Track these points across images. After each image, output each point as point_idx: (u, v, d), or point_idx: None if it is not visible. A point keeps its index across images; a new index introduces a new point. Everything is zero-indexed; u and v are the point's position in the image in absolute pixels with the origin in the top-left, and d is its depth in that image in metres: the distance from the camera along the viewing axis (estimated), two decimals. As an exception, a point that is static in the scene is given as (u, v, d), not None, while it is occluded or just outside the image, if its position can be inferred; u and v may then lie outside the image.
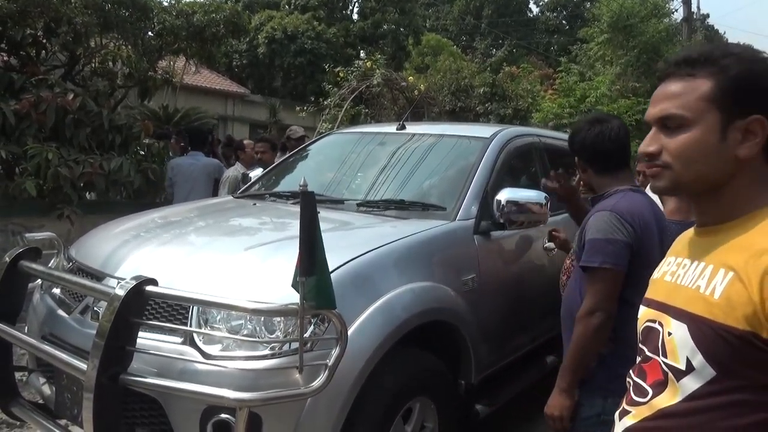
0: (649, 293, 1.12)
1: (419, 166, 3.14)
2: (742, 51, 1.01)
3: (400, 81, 9.38)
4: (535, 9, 34.84)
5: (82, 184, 5.23)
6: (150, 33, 6.58)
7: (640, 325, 1.10)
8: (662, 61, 1.10)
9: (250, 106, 18.95)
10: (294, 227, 2.09)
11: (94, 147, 5.54)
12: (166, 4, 7.01)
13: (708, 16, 30.91)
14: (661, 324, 1.02)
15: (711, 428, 0.93)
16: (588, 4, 28.34)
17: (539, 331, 3.30)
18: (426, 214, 2.77)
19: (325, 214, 2.71)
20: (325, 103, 9.59)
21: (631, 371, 1.09)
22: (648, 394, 1.02)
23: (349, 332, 1.84)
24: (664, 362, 0.99)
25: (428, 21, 31.31)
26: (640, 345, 1.09)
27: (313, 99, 11.64)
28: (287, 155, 4.27)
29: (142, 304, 1.90)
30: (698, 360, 0.93)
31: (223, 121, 17.38)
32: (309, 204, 1.71)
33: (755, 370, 0.89)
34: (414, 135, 3.46)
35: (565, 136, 4.32)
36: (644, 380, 1.04)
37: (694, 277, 0.99)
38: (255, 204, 3.21)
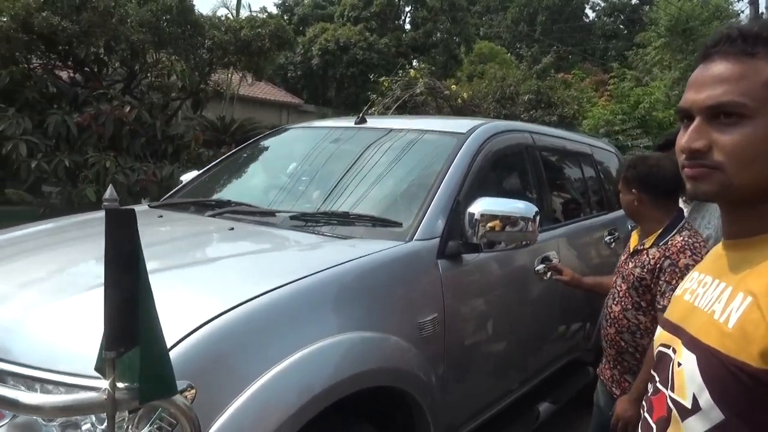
0: (667, 312, 0.98)
1: (374, 169, 2.48)
2: None
3: (444, 89, 9.48)
4: (591, 14, 34.15)
5: (137, 190, 5.66)
6: (201, 48, 6.99)
7: (655, 348, 0.96)
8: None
9: (304, 116, 19.48)
10: (193, 251, 1.76)
11: (148, 156, 5.99)
12: (218, 20, 7.43)
13: (779, 16, 29.27)
14: (674, 350, 0.88)
15: None
16: (646, 8, 27.54)
17: (528, 374, 2.68)
18: (375, 232, 2.07)
19: (240, 230, 2.17)
20: (370, 112, 9.81)
21: (644, 402, 0.95)
22: None
23: (226, 417, 1.27)
24: (670, 396, 0.85)
25: (482, 29, 31.23)
26: (652, 372, 0.94)
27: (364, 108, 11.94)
28: (227, 155, 3.51)
29: None
30: (705, 399, 0.77)
31: (278, 131, 17.98)
32: (121, 233, 0.98)
33: None
34: (375, 130, 2.79)
35: (565, 133, 3.64)
36: (651, 416, 0.90)
37: (711, 299, 0.83)
38: (160, 216, 2.46)
